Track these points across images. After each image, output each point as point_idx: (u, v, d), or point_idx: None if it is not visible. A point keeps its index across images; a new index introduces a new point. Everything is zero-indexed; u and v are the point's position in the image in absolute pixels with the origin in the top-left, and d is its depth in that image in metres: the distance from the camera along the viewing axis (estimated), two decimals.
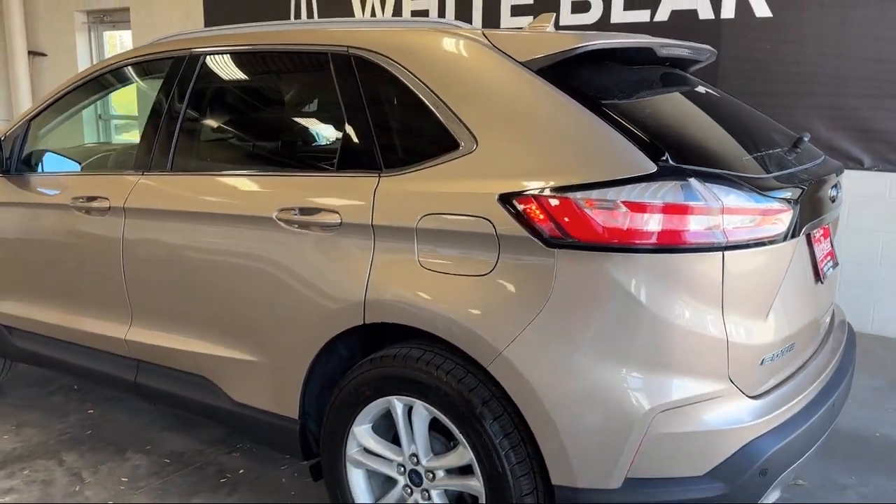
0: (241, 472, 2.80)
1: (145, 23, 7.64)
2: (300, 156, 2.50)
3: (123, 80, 3.05)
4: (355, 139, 2.16)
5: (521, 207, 1.77)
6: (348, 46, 2.22)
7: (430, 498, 2.04)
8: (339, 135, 2.23)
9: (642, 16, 4.93)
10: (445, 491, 2.04)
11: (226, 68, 2.58)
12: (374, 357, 2.07)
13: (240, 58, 2.55)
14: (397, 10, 5.91)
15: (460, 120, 1.96)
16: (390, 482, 2.18)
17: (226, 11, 6.94)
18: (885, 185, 4.36)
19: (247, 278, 2.28)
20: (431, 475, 2.03)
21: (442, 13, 5.69)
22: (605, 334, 1.73)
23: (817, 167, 2.18)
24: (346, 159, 2.17)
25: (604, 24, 5.06)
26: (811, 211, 1.99)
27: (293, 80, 2.58)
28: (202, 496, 2.63)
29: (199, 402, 2.51)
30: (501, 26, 5.46)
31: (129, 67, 2.90)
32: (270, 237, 2.21)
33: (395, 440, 2.13)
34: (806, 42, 4.41)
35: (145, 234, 2.53)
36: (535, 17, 2.42)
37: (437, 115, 2.00)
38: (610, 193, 1.70)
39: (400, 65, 2.09)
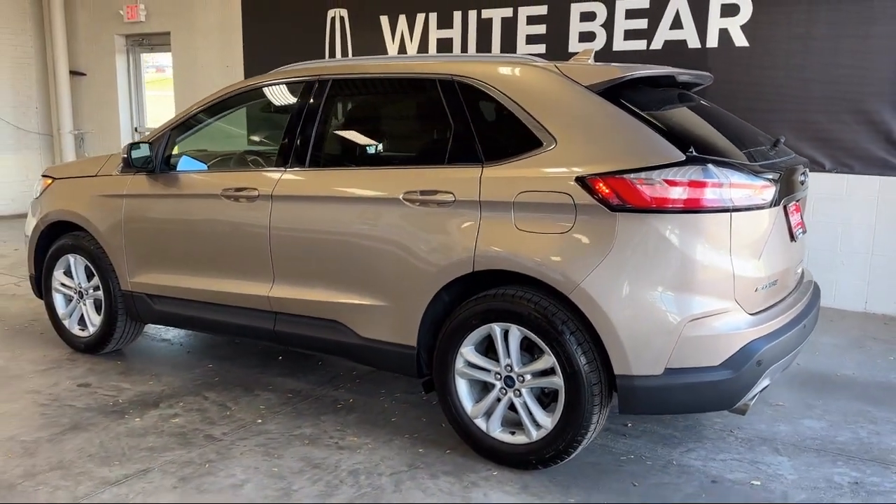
0: (350, 401, 3.59)
1: (186, 47, 8.43)
2: (416, 154, 3.34)
3: (250, 100, 3.85)
4: (461, 141, 3.00)
5: (592, 185, 2.61)
6: (452, 75, 3.07)
7: (520, 395, 2.86)
8: (447, 138, 3.06)
9: (639, 45, 5.85)
10: (531, 389, 2.86)
11: (351, 89, 3.42)
12: (479, 296, 2.89)
13: (363, 81, 3.40)
14: (424, 39, 6.78)
15: (543, 126, 2.80)
16: (484, 389, 2.99)
17: (265, 38, 7.75)
18: (843, 185, 5.29)
19: (377, 243, 3.10)
20: (522, 378, 2.85)
21: (465, 42, 6.56)
22: (652, 269, 2.58)
23: (790, 160, 3.07)
24: (454, 155, 3.00)
25: (607, 52, 5.96)
26: (787, 188, 2.86)
27: (407, 99, 3.43)
28: (327, 417, 3.41)
29: (330, 340, 3.30)
30: (517, 52, 6.34)
31: (258, 90, 3.70)
32: (397, 212, 3.04)
33: (489, 356, 2.94)
34: (777, 67, 5.35)
35: (290, 215, 3.33)
36: (578, 53, 3.28)
37: (525, 123, 2.85)
38: (654, 174, 2.56)
39: (495, 88, 2.94)
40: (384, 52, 7.03)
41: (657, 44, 5.74)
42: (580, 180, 2.65)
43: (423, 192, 2.99)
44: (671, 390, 2.61)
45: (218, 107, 3.81)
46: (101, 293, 4.09)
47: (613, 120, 2.74)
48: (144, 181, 3.85)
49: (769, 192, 2.70)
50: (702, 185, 2.54)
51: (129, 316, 4.04)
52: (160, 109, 9.54)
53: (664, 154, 2.60)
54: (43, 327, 4.72)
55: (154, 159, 3.78)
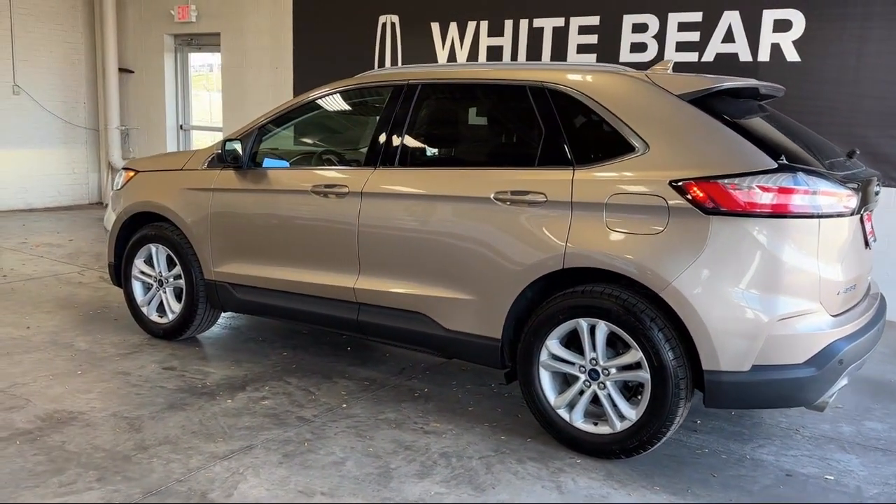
0: (426, 390, 3.75)
1: (235, 47, 8.64)
2: (505, 156, 3.51)
3: (337, 103, 4.03)
4: (551, 145, 3.16)
5: (686, 189, 2.77)
6: (542, 82, 3.23)
7: (605, 388, 3.01)
8: (538, 142, 3.22)
9: (691, 57, 6.00)
10: (615, 382, 3.00)
11: (442, 94, 3.60)
12: (566, 292, 3.05)
13: (453, 87, 3.58)
14: (474, 47, 6.96)
15: (635, 132, 2.96)
16: (565, 381, 3.15)
17: (315, 41, 7.95)
18: (891, 198, 5.41)
19: (466, 240, 3.26)
20: (607, 372, 3.00)
21: (515, 50, 6.73)
22: (742, 270, 2.73)
23: (866, 171, 3.21)
24: (544, 158, 3.17)
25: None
26: (864, 198, 3.01)
27: (496, 104, 3.60)
28: (406, 403, 3.57)
29: (414, 331, 3.47)
30: (567, 61, 6.50)
31: (346, 93, 3.88)
32: (487, 211, 3.20)
33: (573, 349, 3.09)
34: (828, 82, 5.49)
35: (379, 211, 3.51)
36: (652, 63, 3.44)
37: (617, 129, 3.01)
38: (747, 180, 2.71)
39: (587, 95, 3.10)
40: (433, 58, 7.22)
41: (709, 56, 5.89)
42: (674, 184, 2.80)
43: (514, 193, 3.15)
44: (757, 386, 2.76)
45: (305, 108, 3.99)
46: (181, 282, 4.28)
47: (705, 128, 2.89)
48: (232, 176, 4.03)
49: (852, 201, 2.84)
50: (793, 191, 2.69)
51: (211, 304, 4.22)
52: (204, 108, 9.80)
53: (757, 162, 2.75)
54: (116, 314, 4.91)
55: (242, 155, 3.97)
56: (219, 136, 9.01)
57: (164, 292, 4.39)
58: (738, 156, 2.80)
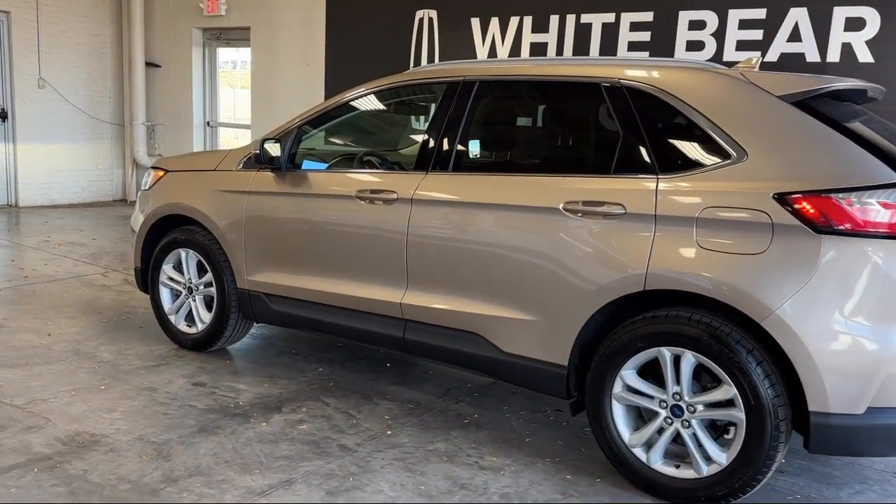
0: (476, 416, 3.43)
1: (265, 43, 8.38)
2: (576, 162, 3.17)
3: (383, 100, 3.72)
4: (630, 149, 2.83)
5: (794, 203, 2.42)
6: (619, 79, 2.89)
7: (689, 426, 2.67)
8: (614, 146, 2.89)
9: (753, 56, 5.61)
10: (702, 420, 2.67)
11: (502, 91, 3.27)
12: (646, 316, 2.71)
13: (515, 84, 3.25)
14: (516, 43, 6.63)
15: (731, 137, 2.62)
16: (640, 416, 2.81)
17: (348, 37, 7.66)
18: None
19: (530, 255, 2.93)
20: (693, 408, 2.66)
21: (561, 47, 6.40)
22: (859, 298, 2.38)
23: None
24: (622, 165, 2.83)
25: (716, 63, 5.74)
26: None
27: (565, 103, 3.26)
28: (456, 432, 3.25)
29: (467, 352, 3.15)
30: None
31: (393, 90, 3.57)
32: (555, 223, 2.87)
33: (651, 381, 2.75)
34: None
35: (431, 219, 3.19)
36: (739, 62, 3.09)
37: (710, 133, 2.67)
38: (865, 195, 2.36)
39: (673, 95, 2.76)
40: (472, 56, 6.90)
41: (772, 56, 5.50)
42: (779, 198, 2.46)
43: (586, 203, 2.82)
44: (872, 431, 2.40)
45: (348, 106, 3.68)
46: (213, 290, 3.99)
47: (814, 134, 2.54)
48: (269, 178, 3.73)
49: None
50: None
51: (243, 314, 3.94)
52: (230, 104, 9.56)
53: (876, 174, 2.40)
54: (141, 321, 4.64)
55: (281, 156, 3.68)
56: (246, 134, 8.77)
57: (194, 300, 4.11)
58: (853, 167, 2.45)
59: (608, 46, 6.25)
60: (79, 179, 9.52)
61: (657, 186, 2.70)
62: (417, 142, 3.48)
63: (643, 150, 2.79)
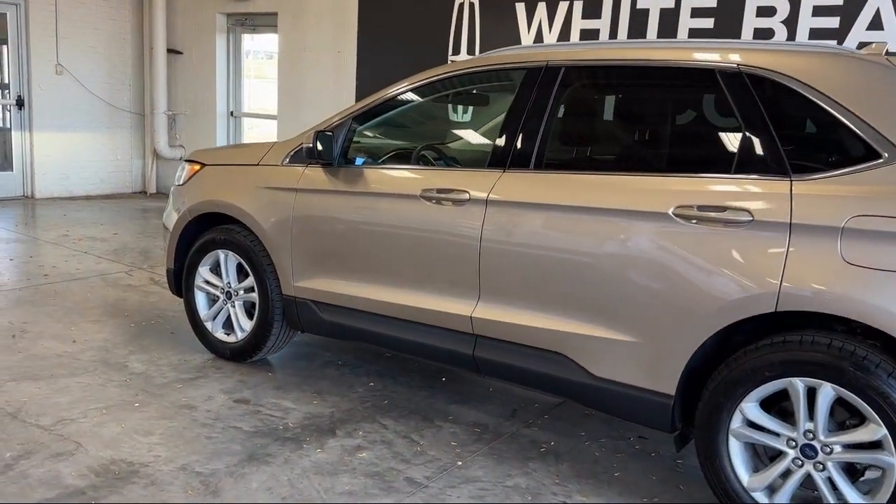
0: (551, 443, 3.07)
1: (293, 29, 8.00)
2: (687, 159, 2.77)
3: (450, 88, 3.34)
4: (755, 146, 2.44)
5: None
6: (739, 65, 2.51)
7: (824, 469, 2.30)
8: (734, 141, 2.51)
9: (831, 22, 5.18)
10: (839, 463, 2.30)
11: (593, 78, 2.88)
12: (775, 341, 2.34)
13: (609, 69, 2.85)
14: (565, 30, 6.23)
15: (881, 134, 2.24)
16: (756, 454, 2.45)
17: (382, 22, 7.28)
18: None
19: (630, 266, 2.56)
20: (829, 449, 2.29)
21: (614, 35, 6.00)
22: None
23: None
24: (744, 164, 2.45)
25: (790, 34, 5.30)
26: None
27: (672, 92, 2.87)
28: (535, 463, 2.90)
29: (548, 375, 2.79)
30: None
31: (464, 76, 3.20)
32: (663, 230, 2.50)
33: (775, 414, 2.39)
34: None
35: (509, 223, 2.82)
36: (864, 46, 2.70)
37: (853, 129, 2.29)
38: None
39: (807, 84, 2.38)
40: (517, 42, 6.50)
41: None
42: None
43: (702, 208, 2.44)
44: None
45: (408, 96, 3.32)
46: (254, 295, 3.64)
47: None
48: (321, 174, 3.37)
49: None
50: None
51: (289, 323, 3.59)
52: (254, 94, 9.20)
53: None
54: (172, 325, 4.30)
55: (333, 150, 3.32)
56: (272, 126, 8.41)
57: (233, 306, 3.76)
58: None
59: (667, 34, 5.85)
60: (97, 170, 9.19)
61: (792, 190, 2.33)
62: (489, 136, 3.11)
63: (771, 148, 2.41)
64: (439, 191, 3.01)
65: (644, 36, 5.91)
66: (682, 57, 2.66)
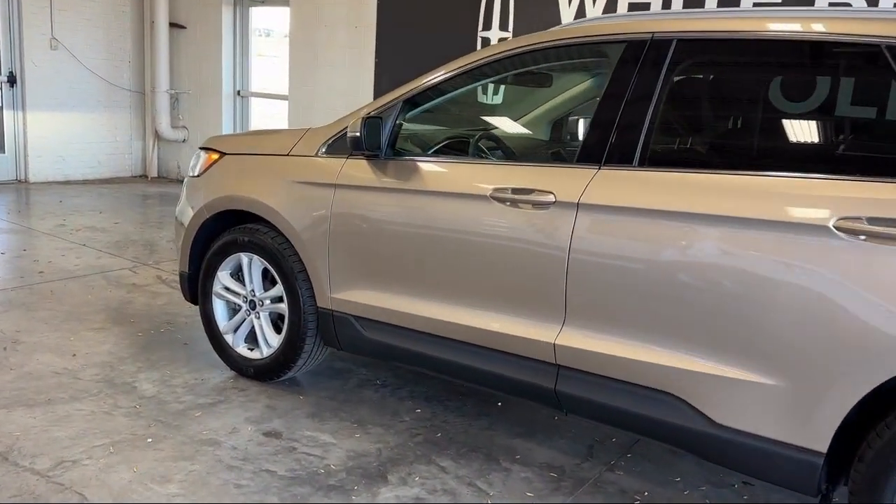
0: (645, 493, 2.60)
1: (307, 1, 7.42)
2: (850, 158, 2.23)
3: (522, 66, 2.82)
4: None
5: None
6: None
7: None
8: None
9: None
10: None
11: (714, 55, 2.36)
12: None
13: (737, 44, 2.31)
14: (610, 5, 5.68)
15: None
16: None
17: None
18: None
19: (778, 292, 2.05)
20: None
21: (667, 4, 5.45)
22: None
23: None
24: None
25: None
26: None
27: (823, 71, 2.31)
28: None
29: (651, 418, 2.30)
30: None
31: (540, 52, 2.67)
32: (818, 247, 1.99)
33: None
34: None
35: (608, 233, 2.31)
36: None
37: None
38: None
39: None
40: (556, 18, 5.96)
41: None
42: None
43: (874, 220, 1.95)
44: None
45: (471, 75, 2.80)
46: (283, 306, 3.14)
47: None
48: (365, 168, 2.87)
49: None
50: None
51: (324, 340, 3.09)
52: (263, 72, 8.63)
53: None
54: (184, 335, 3.81)
55: (381, 139, 2.81)
56: (283, 106, 7.85)
57: (258, 318, 3.26)
58: None
59: (727, 6, 5.32)
60: (95, 153, 8.63)
61: None
62: (576, 124, 2.60)
63: None
64: (515, 191, 2.50)
65: (703, 6, 5.38)
66: (837, 30, 2.13)
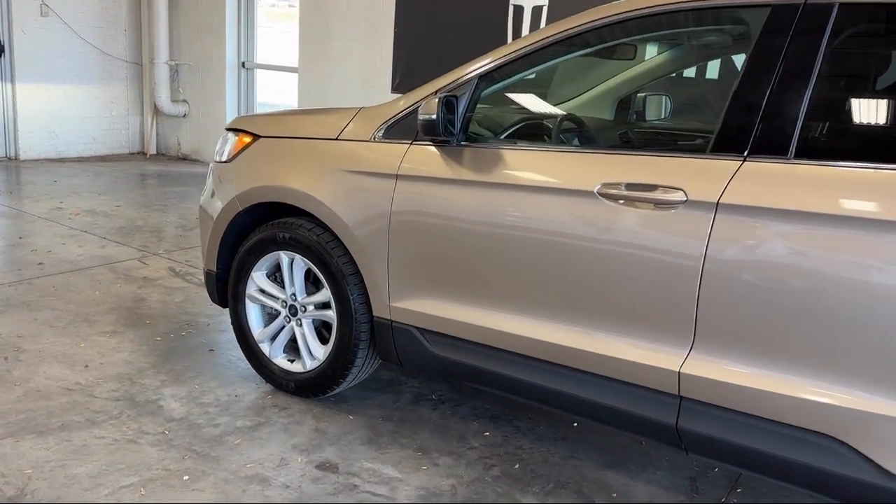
0: None
1: None
2: None
3: (623, 35, 2.38)
4: None
5: None
6: None
7: None
8: None
9: None
10: None
11: (892, 23, 1.93)
12: None
13: None
14: None
15: None
16: None
17: None
18: None
19: None
20: None
21: None
22: None
23: None
24: None
25: None
26: None
27: None
28: None
29: (803, 465, 1.92)
30: None
31: (649, 20, 2.23)
32: None
33: None
34: None
35: (757, 241, 1.90)
36: None
37: None
38: None
39: None
40: None
41: None
42: None
43: None
44: None
45: (566, 44, 2.35)
46: (330, 313, 2.72)
47: None
48: (434, 156, 2.42)
49: None
50: None
51: (381, 354, 2.69)
52: (269, 42, 8.09)
53: None
54: (210, 339, 3.39)
55: (454, 123, 2.38)
56: (293, 80, 7.34)
57: (299, 325, 2.84)
58: None
59: None
60: (89, 128, 8.10)
61: None
62: (705, 104, 2.18)
63: None
64: (632, 186, 2.08)
65: None
66: None
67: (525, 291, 2.30)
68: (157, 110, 8.24)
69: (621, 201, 2.09)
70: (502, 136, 2.58)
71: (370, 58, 6.62)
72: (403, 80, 6.41)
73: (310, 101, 7.12)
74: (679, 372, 2.04)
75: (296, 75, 7.22)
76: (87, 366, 3.03)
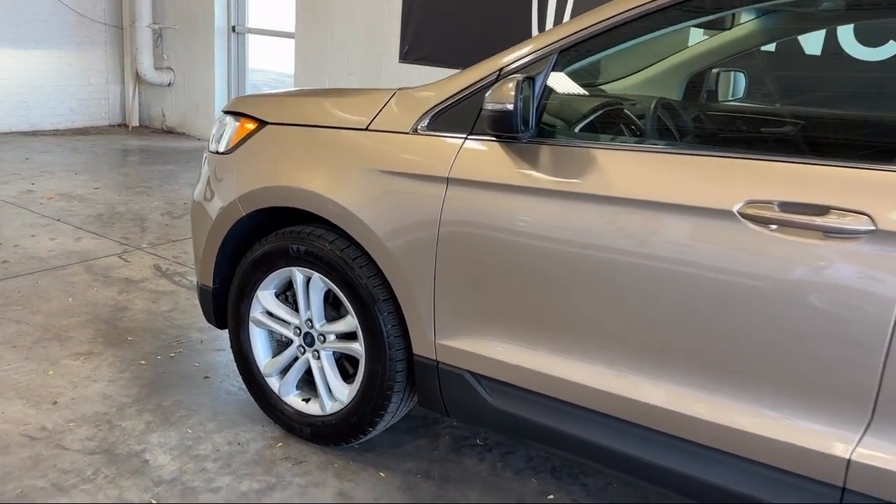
0: None
1: None
2: None
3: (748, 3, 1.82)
4: None
5: None
6: None
7: None
8: None
9: None
10: None
11: None
12: None
13: None
14: None
15: None
16: None
17: None
18: None
19: None
20: None
21: None
22: None
23: None
24: None
25: None
26: None
27: None
28: None
29: None
30: None
31: None
32: None
33: None
34: None
35: None
36: None
37: None
38: None
39: None
40: None
41: None
42: None
43: None
44: None
45: (675, 11, 1.80)
46: (356, 346, 2.18)
47: None
48: (499, 155, 1.85)
49: None
50: None
51: (423, 402, 2.13)
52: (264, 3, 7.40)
53: None
54: (203, 363, 2.83)
55: (530, 113, 1.82)
56: (288, 45, 6.67)
57: (316, 357, 2.30)
58: None
59: None
60: (65, 98, 7.41)
61: None
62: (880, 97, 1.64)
63: None
64: (788, 207, 1.54)
65: None
66: None
67: (622, 336, 1.76)
68: (139, 78, 7.54)
69: (773, 227, 1.54)
70: (577, 129, 2.03)
71: (375, 23, 5.97)
72: (413, 48, 5.80)
73: (307, 70, 6.48)
74: (849, 459, 1.53)
75: (292, 41, 6.57)
76: (55, 402, 2.48)
